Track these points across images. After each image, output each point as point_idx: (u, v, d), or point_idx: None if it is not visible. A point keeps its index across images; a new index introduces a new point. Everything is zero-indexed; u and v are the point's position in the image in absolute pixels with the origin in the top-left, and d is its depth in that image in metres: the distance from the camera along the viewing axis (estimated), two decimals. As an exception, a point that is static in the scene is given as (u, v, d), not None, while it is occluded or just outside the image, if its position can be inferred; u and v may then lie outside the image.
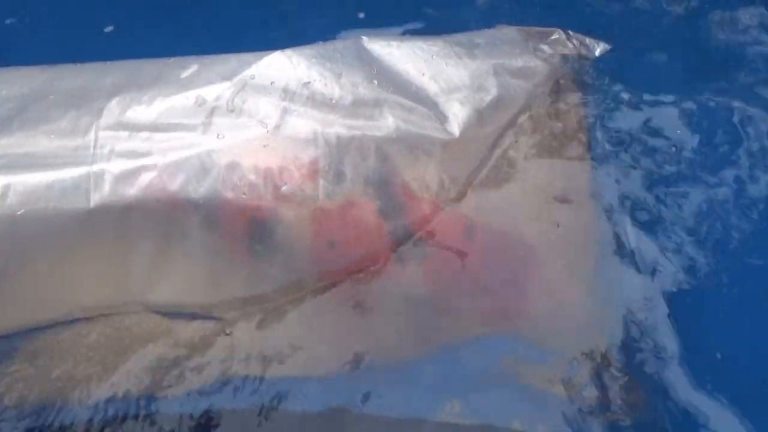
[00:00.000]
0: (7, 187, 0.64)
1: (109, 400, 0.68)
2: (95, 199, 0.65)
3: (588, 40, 1.01)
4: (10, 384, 0.68)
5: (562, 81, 0.92)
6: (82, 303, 0.70)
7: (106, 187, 0.65)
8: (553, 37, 0.99)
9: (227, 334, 0.72)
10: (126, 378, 0.69)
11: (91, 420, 0.68)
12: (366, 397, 0.71)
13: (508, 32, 0.98)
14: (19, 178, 0.65)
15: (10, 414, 0.67)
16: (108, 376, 0.69)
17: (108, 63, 0.78)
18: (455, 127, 0.77)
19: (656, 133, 0.91)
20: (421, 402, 0.73)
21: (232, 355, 0.71)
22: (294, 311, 0.73)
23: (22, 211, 0.64)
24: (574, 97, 0.91)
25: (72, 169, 0.65)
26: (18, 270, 0.67)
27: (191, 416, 0.69)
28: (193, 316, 0.73)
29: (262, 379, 0.70)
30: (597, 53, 1.00)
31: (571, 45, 1.00)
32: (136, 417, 0.69)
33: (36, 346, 0.70)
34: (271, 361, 0.71)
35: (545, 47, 0.97)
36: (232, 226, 0.69)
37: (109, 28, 1.06)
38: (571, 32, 1.00)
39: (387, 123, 0.74)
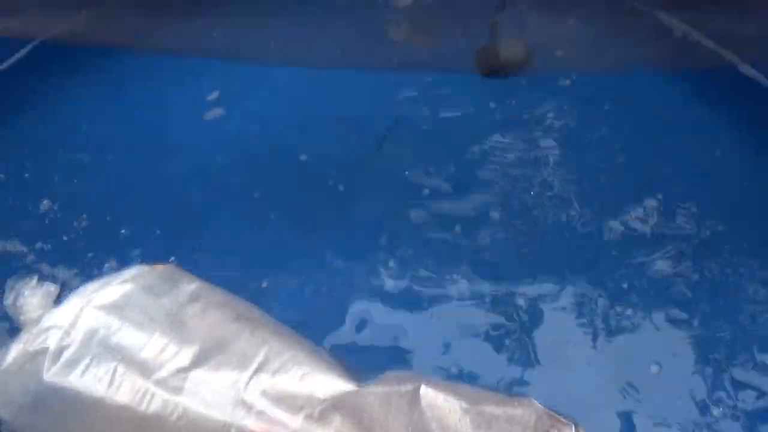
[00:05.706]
0: (177, 405, 1.12)
1: None
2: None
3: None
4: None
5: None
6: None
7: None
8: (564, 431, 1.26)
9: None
10: None
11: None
12: None
13: (528, 411, 1.28)
14: (188, 404, 1.13)
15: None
16: None
17: (269, 330, 1.25)
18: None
19: None
20: None
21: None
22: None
23: (181, 424, 1.11)
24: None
25: (219, 414, 1.13)
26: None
27: None
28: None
29: None
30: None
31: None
32: None
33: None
34: None
35: (550, 438, 1.28)
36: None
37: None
38: (582, 429, 1.21)
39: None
